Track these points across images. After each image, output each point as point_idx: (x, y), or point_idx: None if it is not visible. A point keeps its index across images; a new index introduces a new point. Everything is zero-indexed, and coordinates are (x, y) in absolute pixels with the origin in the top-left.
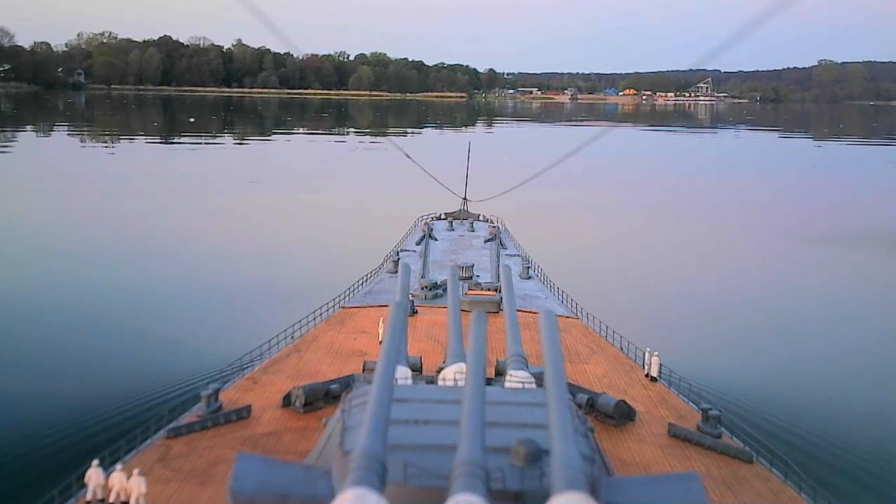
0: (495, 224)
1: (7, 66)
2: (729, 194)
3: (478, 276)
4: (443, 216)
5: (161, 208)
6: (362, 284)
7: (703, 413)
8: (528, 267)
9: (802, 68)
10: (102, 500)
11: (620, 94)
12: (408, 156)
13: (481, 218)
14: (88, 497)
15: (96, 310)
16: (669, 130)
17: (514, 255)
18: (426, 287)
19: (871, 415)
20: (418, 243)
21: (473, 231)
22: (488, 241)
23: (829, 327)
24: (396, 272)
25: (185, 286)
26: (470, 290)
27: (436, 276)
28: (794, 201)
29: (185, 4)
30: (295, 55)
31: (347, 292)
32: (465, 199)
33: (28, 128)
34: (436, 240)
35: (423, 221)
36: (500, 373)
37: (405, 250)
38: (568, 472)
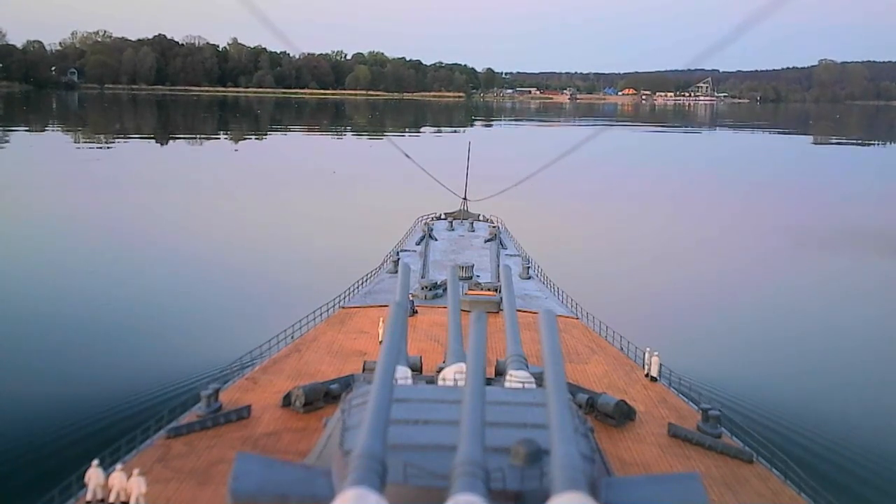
0: (495, 224)
1: None
2: (728, 194)
3: (478, 276)
4: (443, 216)
5: (159, 209)
6: (362, 284)
7: (703, 413)
8: (528, 267)
9: (802, 68)
10: (102, 500)
11: (619, 93)
12: (407, 155)
13: (481, 218)
14: (88, 497)
15: (96, 310)
16: (668, 130)
17: (514, 255)
18: (426, 287)
19: (871, 415)
20: (418, 243)
21: (473, 231)
22: (488, 241)
23: (830, 327)
24: (396, 272)
25: (185, 286)
26: (470, 290)
27: (436, 276)
28: (794, 202)
29: (180, 3)
30: (291, 54)
31: (347, 292)
32: (465, 199)
33: (20, 128)
34: (436, 240)
35: (423, 221)
36: (500, 373)
37: (405, 250)
38: (568, 472)
